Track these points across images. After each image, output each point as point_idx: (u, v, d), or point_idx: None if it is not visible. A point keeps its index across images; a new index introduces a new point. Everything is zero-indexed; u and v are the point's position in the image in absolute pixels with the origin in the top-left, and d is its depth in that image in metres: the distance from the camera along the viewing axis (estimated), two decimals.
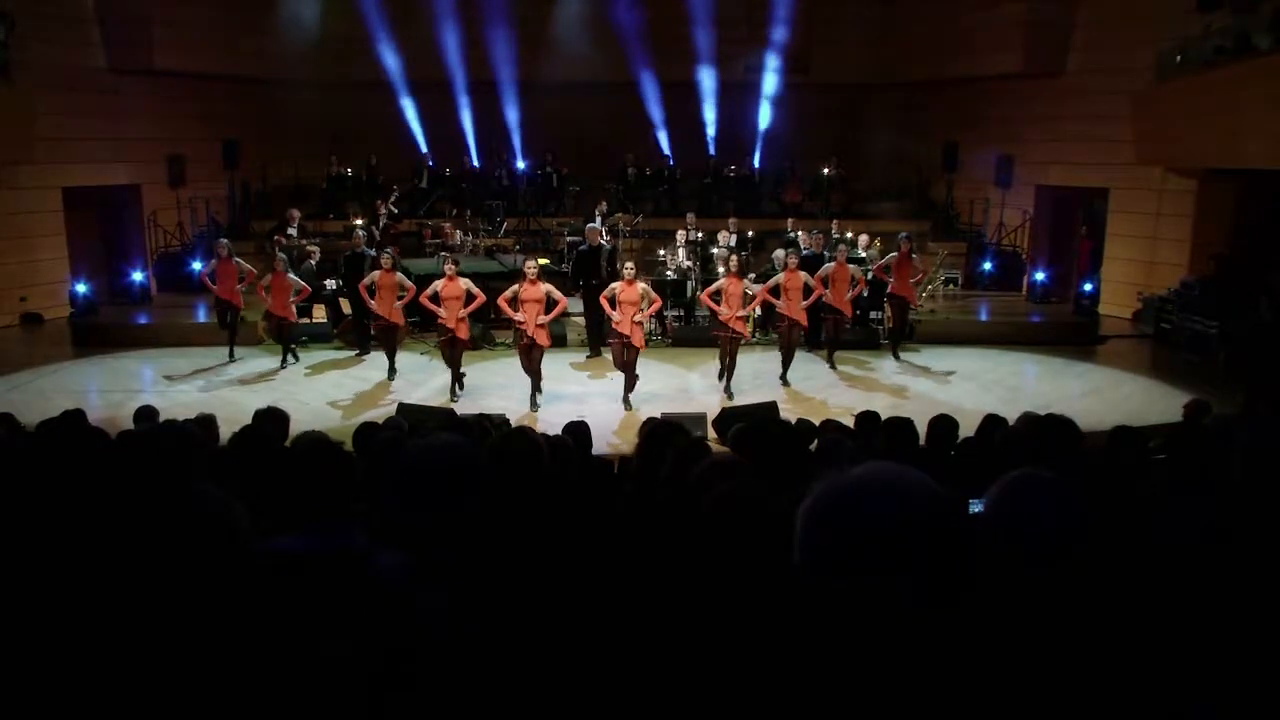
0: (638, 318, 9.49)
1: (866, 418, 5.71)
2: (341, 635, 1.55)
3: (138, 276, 14.65)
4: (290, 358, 11.44)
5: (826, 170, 17.57)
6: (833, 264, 11.12)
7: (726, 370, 10.12)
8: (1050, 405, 8.70)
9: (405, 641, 1.61)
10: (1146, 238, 14.39)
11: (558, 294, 9.48)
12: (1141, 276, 14.35)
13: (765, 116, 17.99)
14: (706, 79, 17.46)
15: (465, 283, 9.77)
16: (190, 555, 1.64)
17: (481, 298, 9.87)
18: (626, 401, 9.57)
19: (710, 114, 17.94)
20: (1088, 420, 5.40)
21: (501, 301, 9.65)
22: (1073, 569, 1.78)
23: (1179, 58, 12.73)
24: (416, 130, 17.57)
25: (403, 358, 11.09)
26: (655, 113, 17.82)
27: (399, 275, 10.49)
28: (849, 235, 14.30)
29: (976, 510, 3.14)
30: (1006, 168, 16.46)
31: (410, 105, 17.36)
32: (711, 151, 18.03)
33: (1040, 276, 14.96)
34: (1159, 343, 13.05)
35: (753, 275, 12.53)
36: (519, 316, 9.35)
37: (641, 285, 9.71)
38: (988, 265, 15.94)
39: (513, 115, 17.80)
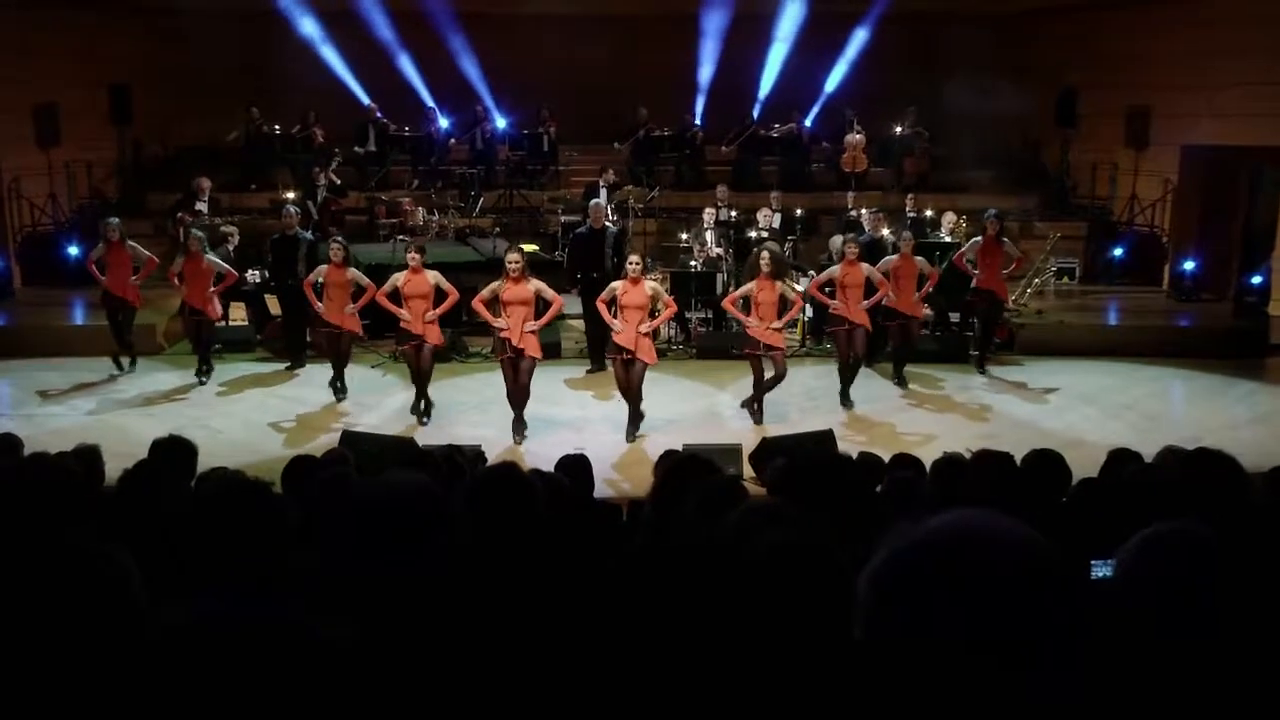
0: (644, 327, 9.47)
1: (989, 459, 4.96)
2: None
3: None
4: (203, 373, 11.45)
5: (900, 129, 17.58)
6: (895, 256, 11.15)
7: (762, 388, 10.09)
8: (1202, 438, 8.61)
9: None
10: None
11: (550, 293, 9.49)
12: None
13: (819, 58, 18.00)
14: (743, 9, 17.50)
15: (433, 276, 9.89)
16: (65, 630, 1.64)
17: (455, 295, 9.97)
18: (630, 433, 9.62)
19: (748, 55, 17.97)
20: (1255, 458, 5.35)
21: (478, 304, 9.67)
22: (1235, 655, 1.76)
23: None
24: (349, 78, 17.63)
25: (350, 372, 11.09)
26: (678, 55, 17.86)
27: (352, 271, 10.56)
28: (928, 214, 14.29)
29: (1102, 576, 3.13)
30: (1141, 123, 16.39)
31: (352, 45, 17.43)
32: (751, 104, 18.07)
33: (1188, 266, 14.89)
34: None
35: (810, 272, 12.48)
36: (500, 323, 9.39)
37: (650, 284, 9.72)
38: (1116, 252, 15.88)
39: (492, 57, 17.86)
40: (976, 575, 1.22)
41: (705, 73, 18.04)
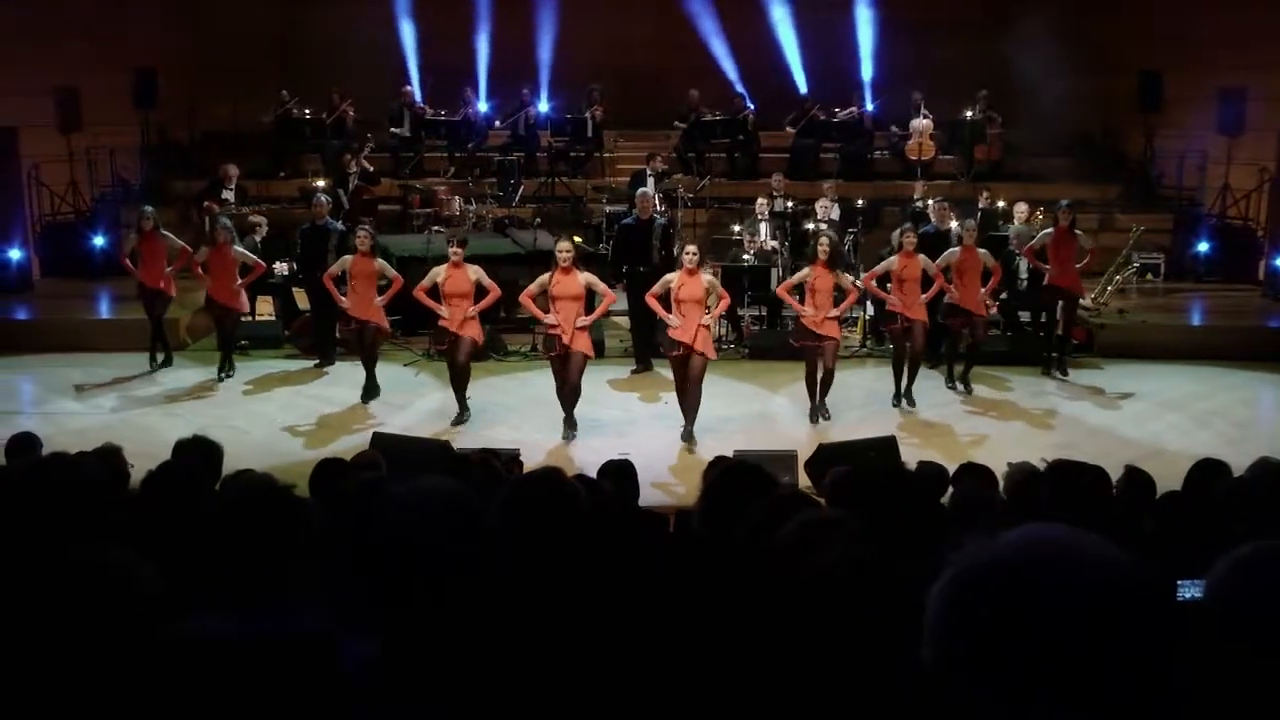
0: (705, 319, 9.56)
1: (1065, 469, 4.94)
2: None
3: (15, 255, 14.97)
4: (228, 368, 11.63)
5: (970, 113, 17.42)
6: (958, 249, 11.09)
7: (819, 387, 10.23)
8: None
9: None
10: None
11: (601, 286, 9.75)
12: None
13: (880, 37, 17.91)
14: None
15: (475, 272, 9.98)
16: (83, 640, 1.66)
17: (496, 292, 10.08)
18: (689, 434, 9.64)
19: (804, 35, 17.91)
20: None
21: (525, 299, 9.83)
22: None
23: None
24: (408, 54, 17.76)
25: (382, 370, 11.21)
26: (730, 34, 17.83)
27: (379, 261, 10.69)
28: (1000, 205, 14.16)
29: (1190, 597, 3.08)
30: (1235, 106, 16.14)
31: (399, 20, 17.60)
32: (806, 88, 18.01)
33: None
34: None
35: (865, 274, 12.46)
36: (550, 318, 9.50)
37: (707, 276, 9.83)
38: (1204, 246, 15.68)
39: (534, 37, 17.91)
40: (1056, 596, 1.21)
41: (763, 52, 17.95)
